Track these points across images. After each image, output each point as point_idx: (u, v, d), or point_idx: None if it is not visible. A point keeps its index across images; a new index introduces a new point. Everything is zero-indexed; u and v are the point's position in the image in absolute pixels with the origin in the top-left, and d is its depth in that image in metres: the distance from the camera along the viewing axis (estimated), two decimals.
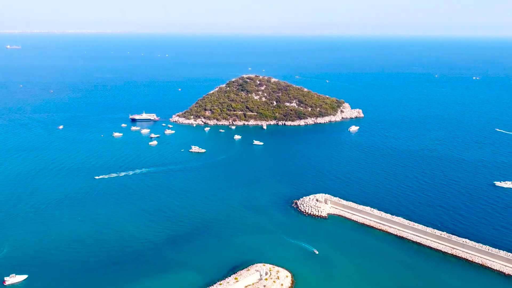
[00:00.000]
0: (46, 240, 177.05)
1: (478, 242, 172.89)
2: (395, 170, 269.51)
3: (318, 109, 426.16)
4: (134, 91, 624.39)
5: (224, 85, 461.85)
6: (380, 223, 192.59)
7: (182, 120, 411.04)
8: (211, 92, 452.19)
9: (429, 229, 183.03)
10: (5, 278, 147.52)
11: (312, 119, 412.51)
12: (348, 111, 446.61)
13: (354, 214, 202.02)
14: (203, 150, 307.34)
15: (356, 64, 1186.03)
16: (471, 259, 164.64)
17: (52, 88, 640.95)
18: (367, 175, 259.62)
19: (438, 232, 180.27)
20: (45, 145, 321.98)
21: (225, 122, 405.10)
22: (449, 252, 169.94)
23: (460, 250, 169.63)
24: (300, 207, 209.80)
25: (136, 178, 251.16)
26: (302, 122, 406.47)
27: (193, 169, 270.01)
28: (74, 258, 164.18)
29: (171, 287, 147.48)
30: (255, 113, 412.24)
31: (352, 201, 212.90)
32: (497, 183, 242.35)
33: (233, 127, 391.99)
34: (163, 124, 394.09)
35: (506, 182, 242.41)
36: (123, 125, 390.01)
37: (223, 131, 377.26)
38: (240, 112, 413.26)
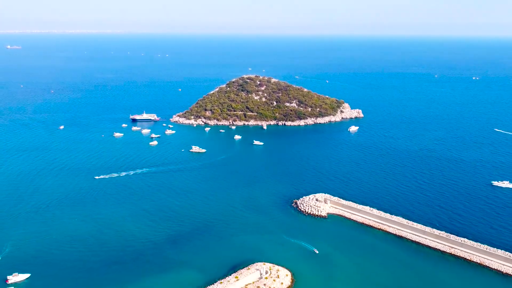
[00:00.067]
0: (48, 240, 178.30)
1: (476, 241, 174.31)
2: (395, 170, 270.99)
3: (318, 109, 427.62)
4: (135, 91, 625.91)
5: (224, 85, 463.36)
6: (380, 223, 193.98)
7: (183, 120, 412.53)
8: (212, 92, 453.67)
9: (428, 229, 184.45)
10: (8, 277, 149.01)
11: (312, 119, 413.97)
12: (348, 111, 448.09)
13: (353, 214, 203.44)
14: (204, 150, 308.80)
15: (356, 64, 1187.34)
16: (469, 258, 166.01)
17: (53, 88, 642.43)
18: (367, 175, 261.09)
19: (436, 232, 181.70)
20: (46, 145, 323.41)
21: (225, 122, 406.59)
22: (448, 251, 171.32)
23: (458, 249, 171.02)
24: (300, 207, 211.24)
25: (137, 178, 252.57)
26: (302, 122, 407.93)
27: (194, 169, 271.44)
28: (75, 257, 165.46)
29: (172, 286, 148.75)
30: (255, 113, 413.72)
31: (352, 201, 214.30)
32: (495, 183, 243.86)
33: (233, 127, 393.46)
34: (164, 124, 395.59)
35: (504, 182, 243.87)
36: (123, 125, 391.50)
37: (224, 131, 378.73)
38: (240, 112, 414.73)
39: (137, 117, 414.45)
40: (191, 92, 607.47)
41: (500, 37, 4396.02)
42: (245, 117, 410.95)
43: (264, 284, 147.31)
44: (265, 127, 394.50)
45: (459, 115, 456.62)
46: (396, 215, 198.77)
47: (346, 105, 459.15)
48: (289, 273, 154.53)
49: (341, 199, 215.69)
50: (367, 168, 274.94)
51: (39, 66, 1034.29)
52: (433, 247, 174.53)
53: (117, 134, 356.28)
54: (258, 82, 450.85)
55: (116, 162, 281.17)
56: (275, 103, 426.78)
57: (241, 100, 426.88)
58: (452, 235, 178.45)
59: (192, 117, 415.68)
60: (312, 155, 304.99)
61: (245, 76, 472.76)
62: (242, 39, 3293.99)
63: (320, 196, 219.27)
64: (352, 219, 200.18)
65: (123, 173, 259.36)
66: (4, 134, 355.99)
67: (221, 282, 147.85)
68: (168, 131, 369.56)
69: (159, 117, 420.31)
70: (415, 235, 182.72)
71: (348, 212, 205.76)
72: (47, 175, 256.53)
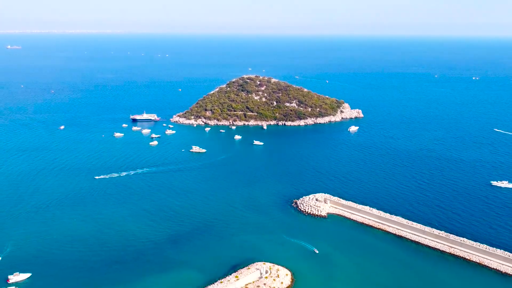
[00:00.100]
0: (48, 240, 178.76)
1: (475, 241, 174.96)
2: (394, 170, 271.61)
3: (318, 109, 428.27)
4: (135, 91, 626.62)
5: (224, 86, 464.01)
6: (379, 222, 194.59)
7: (183, 120, 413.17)
8: (212, 92, 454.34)
9: (427, 228, 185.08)
10: (9, 276, 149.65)
11: (312, 119, 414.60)
12: (347, 111, 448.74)
13: (353, 214, 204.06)
14: (204, 150, 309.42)
15: (356, 64, 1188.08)
16: (468, 258, 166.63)
17: (53, 88, 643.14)
18: (366, 175, 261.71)
19: (436, 231, 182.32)
20: (46, 145, 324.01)
21: (226, 122, 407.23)
22: (447, 251, 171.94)
23: (457, 249, 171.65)
24: (300, 207, 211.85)
25: (137, 178, 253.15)
26: (302, 122, 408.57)
27: (194, 169, 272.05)
28: (76, 257, 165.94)
29: (172, 285, 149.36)
30: (255, 113, 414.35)
31: (352, 201, 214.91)
32: (494, 183, 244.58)
33: (234, 127, 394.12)
34: (164, 124, 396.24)
35: (503, 181, 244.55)
36: (124, 125, 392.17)
37: (224, 131, 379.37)
38: (240, 112, 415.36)
39: (137, 117, 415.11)
40: (191, 92, 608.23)
41: (500, 37, 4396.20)
42: (245, 117, 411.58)
43: (264, 284, 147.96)
44: (265, 127, 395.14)
45: (459, 115, 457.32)
46: (396, 215, 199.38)
47: (346, 105, 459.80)
48: (289, 273, 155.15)
49: (341, 199, 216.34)
50: (367, 168, 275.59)
51: (39, 66, 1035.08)
52: (432, 247, 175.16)
53: (117, 134, 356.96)
54: (258, 82, 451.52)
55: (116, 162, 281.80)
56: (275, 103, 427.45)
57: (241, 100, 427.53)
58: (451, 235, 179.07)
59: (192, 117, 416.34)
60: (312, 155, 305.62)
61: (245, 76, 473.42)
62: (242, 39, 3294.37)
63: (320, 196, 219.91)
64: (352, 219, 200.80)
65: (124, 173, 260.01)
66: (5, 134, 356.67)
67: (221, 282, 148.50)
68: (168, 131, 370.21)
69: (159, 117, 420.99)
70: (415, 234, 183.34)
71: (348, 212, 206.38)
72: (47, 175, 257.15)
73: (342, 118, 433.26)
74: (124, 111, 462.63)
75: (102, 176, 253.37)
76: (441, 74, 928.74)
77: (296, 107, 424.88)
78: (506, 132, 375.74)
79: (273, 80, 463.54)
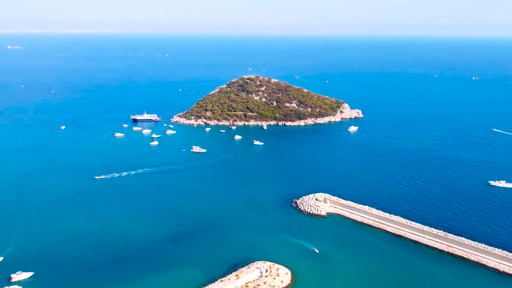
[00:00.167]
0: (49, 239, 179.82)
1: (474, 240, 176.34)
2: (393, 170, 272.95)
3: (318, 109, 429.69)
4: (135, 92, 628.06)
5: (224, 86, 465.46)
6: (378, 222, 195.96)
7: (183, 121, 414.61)
8: (212, 92, 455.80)
9: (426, 228, 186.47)
10: (12, 275, 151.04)
11: (312, 119, 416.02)
12: (347, 112, 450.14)
13: (352, 213, 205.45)
14: (204, 150, 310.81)
15: (356, 64, 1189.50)
16: (467, 257, 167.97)
17: (54, 88, 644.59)
18: (366, 174, 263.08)
19: (434, 231, 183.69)
20: (47, 145, 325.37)
21: (226, 123, 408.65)
22: (446, 250, 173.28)
23: (456, 248, 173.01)
24: (299, 206, 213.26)
25: (138, 178, 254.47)
26: (302, 123, 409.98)
27: (194, 169, 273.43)
28: (77, 256, 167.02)
29: (173, 284, 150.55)
30: (256, 114, 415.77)
31: (351, 200, 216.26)
32: (492, 183, 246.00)
33: (234, 128, 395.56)
34: (164, 125, 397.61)
35: (501, 181, 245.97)
36: (124, 125, 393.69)
37: (224, 131, 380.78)
38: (240, 113, 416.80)
39: (138, 117, 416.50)
40: (191, 92, 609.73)
41: (500, 37, 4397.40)
42: (245, 117, 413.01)
43: (264, 282, 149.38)
44: (265, 127, 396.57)
45: (458, 115, 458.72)
46: (395, 214, 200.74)
47: (346, 105, 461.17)
48: (289, 272, 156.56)
49: (340, 199, 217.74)
50: (367, 168, 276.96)
51: (39, 66, 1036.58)
52: (431, 246, 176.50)
53: (118, 134, 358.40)
54: (258, 83, 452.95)
55: (117, 162, 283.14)
56: (275, 103, 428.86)
57: (241, 101, 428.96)
58: (450, 234, 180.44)
59: (193, 117, 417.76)
60: (312, 155, 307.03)
61: (245, 76, 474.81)
62: (242, 39, 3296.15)
63: (320, 195, 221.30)
64: (352, 219, 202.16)
65: (124, 173, 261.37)
66: (5, 134, 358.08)
67: (222, 280, 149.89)
68: (169, 131, 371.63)
69: (160, 117, 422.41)
70: (414, 234, 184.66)
71: (347, 211, 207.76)
72: (48, 175, 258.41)
73: (342, 118, 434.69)
74: (124, 111, 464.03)
75: (102, 176, 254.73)
76: (441, 74, 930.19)
77: (296, 107, 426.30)
78: (505, 132, 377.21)
79: (273, 80, 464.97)
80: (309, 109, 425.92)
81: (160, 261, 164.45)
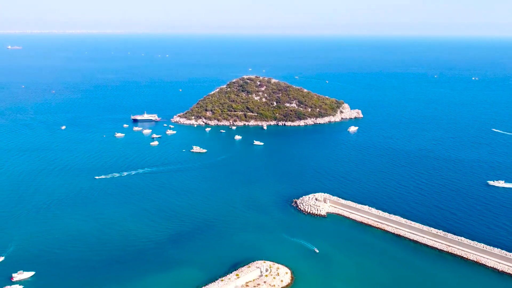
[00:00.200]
0: (50, 239, 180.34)
1: (473, 240, 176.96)
2: (393, 170, 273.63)
3: (318, 109, 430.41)
4: (135, 92, 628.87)
5: (224, 86, 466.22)
6: (378, 222, 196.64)
7: (183, 121, 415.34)
8: (212, 92, 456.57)
9: (425, 227, 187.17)
10: (13, 275, 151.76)
11: (312, 119, 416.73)
12: (347, 112, 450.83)
13: (352, 213, 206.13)
14: (204, 150, 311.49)
15: (356, 64, 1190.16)
16: (466, 257, 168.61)
17: (54, 88, 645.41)
18: (366, 174, 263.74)
19: (434, 230, 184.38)
20: (47, 145, 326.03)
21: (226, 123, 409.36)
22: (445, 249, 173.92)
23: (455, 247, 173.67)
24: (299, 206, 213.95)
25: (138, 178, 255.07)
26: (302, 123, 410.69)
27: (194, 169, 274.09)
28: (78, 256, 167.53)
29: (174, 284, 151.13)
30: (256, 114, 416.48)
31: (351, 200, 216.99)
32: (491, 182, 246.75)
33: (234, 128, 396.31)
34: (165, 125, 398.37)
35: (499, 181, 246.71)
36: (125, 125, 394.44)
37: (224, 131, 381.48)
38: (240, 113, 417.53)
39: (138, 117, 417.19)
40: (191, 92, 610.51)
41: (500, 37, 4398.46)
42: (246, 117, 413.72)
43: (264, 282, 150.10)
44: (265, 128, 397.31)
45: (458, 116, 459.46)
46: (395, 214, 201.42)
47: (345, 105, 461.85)
48: (289, 271, 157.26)
49: (340, 199, 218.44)
50: (366, 168, 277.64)
51: (40, 66, 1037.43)
52: (430, 246, 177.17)
53: (118, 135, 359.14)
54: (258, 83, 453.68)
55: (117, 162, 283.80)
56: (275, 103, 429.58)
57: (242, 101, 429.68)
58: (449, 234, 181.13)
59: (193, 117, 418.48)
60: (312, 155, 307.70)
61: (245, 76, 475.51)
62: (242, 39, 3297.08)
63: (320, 195, 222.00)
64: (351, 218, 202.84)
65: (125, 173, 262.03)
66: (6, 134, 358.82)
67: (222, 280, 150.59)
68: (169, 131, 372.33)
69: (160, 118, 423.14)
70: (413, 234, 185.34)
71: (347, 211, 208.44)
72: (48, 175, 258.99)
73: (341, 118, 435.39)
74: (124, 111, 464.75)
75: (102, 176, 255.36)
76: (441, 74, 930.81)
77: (296, 107, 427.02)
78: (504, 132, 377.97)
79: (273, 80, 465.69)
80: (309, 109, 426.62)
81: (160, 261, 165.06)
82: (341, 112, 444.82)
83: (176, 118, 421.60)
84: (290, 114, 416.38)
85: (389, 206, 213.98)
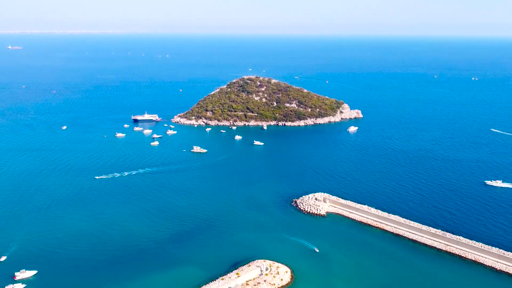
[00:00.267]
0: (51, 239, 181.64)
1: (471, 239, 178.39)
2: (392, 170, 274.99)
3: (318, 110, 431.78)
4: (136, 92, 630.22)
5: (225, 86, 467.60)
6: (377, 221, 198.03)
7: (184, 121, 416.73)
8: (212, 93, 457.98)
9: (424, 227, 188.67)
10: (16, 273, 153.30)
11: (312, 119, 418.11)
12: (347, 112, 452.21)
13: (352, 213, 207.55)
14: (205, 150, 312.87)
15: (356, 64, 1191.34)
16: (464, 256, 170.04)
17: (55, 89, 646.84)
18: (365, 174, 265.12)
19: (433, 230, 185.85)
20: (48, 145, 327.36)
21: (226, 123, 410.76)
22: (444, 249, 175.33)
23: (454, 247, 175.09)
24: (299, 206, 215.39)
25: (139, 178, 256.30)
26: (302, 123, 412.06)
27: (195, 169, 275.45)
28: (79, 256, 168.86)
29: (175, 283, 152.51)
30: (256, 114, 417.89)
31: (350, 200, 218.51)
32: (488, 182, 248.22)
33: (234, 128, 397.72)
34: (165, 125, 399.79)
35: (497, 181, 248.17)
36: (125, 125, 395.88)
37: (224, 131, 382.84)
38: (240, 113, 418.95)
39: (139, 117, 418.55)
40: (191, 92, 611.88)
41: (500, 37, 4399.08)
42: (246, 117, 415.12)
43: (265, 280, 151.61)
44: (265, 128, 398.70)
45: (457, 116, 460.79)
46: (394, 214, 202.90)
47: (345, 105, 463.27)
48: (288, 270, 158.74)
49: (340, 198, 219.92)
50: (366, 168, 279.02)
51: (40, 66, 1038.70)
52: (429, 245, 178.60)
53: (119, 135, 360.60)
54: (259, 83, 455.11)
55: (117, 162, 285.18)
56: (275, 103, 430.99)
57: (242, 101, 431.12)
58: (448, 233, 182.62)
59: (193, 117, 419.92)
60: (312, 155, 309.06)
61: (245, 77, 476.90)
62: (242, 39, 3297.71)
63: (320, 195, 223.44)
64: (351, 218, 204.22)
65: (126, 173, 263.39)
66: (7, 134, 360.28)
67: (222, 278, 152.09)
68: (170, 132, 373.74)
69: (161, 118, 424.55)
70: (412, 233, 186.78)
71: (346, 211, 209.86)
72: (48, 175, 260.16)
73: (341, 118, 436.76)
74: (125, 111, 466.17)
75: (103, 176, 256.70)
76: (441, 74, 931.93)
77: (296, 107, 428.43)
78: (503, 132, 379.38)
79: (273, 81, 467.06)
80: (309, 110, 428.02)
81: (161, 260, 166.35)
82: (341, 112, 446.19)
83: (176, 118, 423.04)
84: (290, 114, 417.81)
85: (388, 205, 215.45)
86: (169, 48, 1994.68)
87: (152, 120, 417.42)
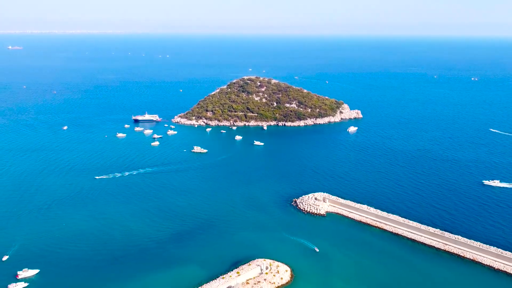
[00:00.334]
0: (52, 239, 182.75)
1: (469, 238, 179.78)
2: (392, 170, 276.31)
3: (318, 110, 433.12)
4: (136, 92, 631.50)
5: (225, 86, 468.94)
6: (376, 221, 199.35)
7: (184, 121, 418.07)
8: (212, 93, 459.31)
9: (423, 226, 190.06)
10: (18, 272, 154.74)
11: (312, 120, 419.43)
12: (347, 112, 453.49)
13: (351, 212, 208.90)
14: (205, 150, 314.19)
15: (355, 64, 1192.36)
16: (463, 255, 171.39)
17: (55, 89, 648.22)
18: (364, 174, 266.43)
19: (431, 229, 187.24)
20: (49, 145, 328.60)
21: (226, 123, 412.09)
22: (442, 248, 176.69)
23: (452, 246, 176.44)
24: (299, 205, 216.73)
25: (139, 178, 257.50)
26: (302, 123, 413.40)
27: (195, 169, 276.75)
28: (80, 255, 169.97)
29: (175, 282, 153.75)
30: (256, 114, 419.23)
31: (350, 200, 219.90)
32: (486, 182, 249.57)
33: (234, 128, 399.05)
34: (166, 125, 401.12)
35: (495, 181, 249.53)
36: (126, 125, 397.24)
37: (224, 131, 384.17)
38: (241, 113, 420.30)
39: (139, 117, 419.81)
40: (192, 92, 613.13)
41: (500, 37, 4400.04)
42: (246, 117, 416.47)
43: (265, 279, 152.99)
44: (265, 128, 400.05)
45: (457, 116, 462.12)
46: (393, 213, 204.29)
47: (345, 106, 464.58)
48: (288, 269, 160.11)
49: (339, 198, 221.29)
50: (365, 168, 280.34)
51: (40, 66, 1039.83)
52: (428, 244, 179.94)
53: (120, 135, 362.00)
54: (259, 83, 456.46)
55: (118, 162, 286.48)
56: (275, 104, 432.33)
57: (242, 101, 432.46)
58: (446, 233, 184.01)
59: (194, 117, 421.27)
60: (312, 155, 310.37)
61: (245, 77, 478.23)
62: (242, 39, 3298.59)
63: (319, 195, 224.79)
64: (350, 217, 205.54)
65: (126, 173, 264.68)
66: (8, 134, 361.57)
67: (223, 277, 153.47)
68: (170, 132, 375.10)
69: (161, 118, 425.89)
70: (411, 232, 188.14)
71: (346, 210, 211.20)
72: (49, 175, 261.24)
73: (341, 118, 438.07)
74: (125, 111, 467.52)
75: (103, 176, 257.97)
76: (441, 74, 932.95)
77: (296, 107, 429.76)
78: (502, 132, 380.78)
79: (273, 81, 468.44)
80: (309, 110, 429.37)
81: (162, 260, 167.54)
82: (341, 112, 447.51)
83: (177, 119, 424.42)
84: (290, 114, 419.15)
85: (387, 205, 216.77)
86: (169, 48, 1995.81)
87: (152, 120, 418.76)
